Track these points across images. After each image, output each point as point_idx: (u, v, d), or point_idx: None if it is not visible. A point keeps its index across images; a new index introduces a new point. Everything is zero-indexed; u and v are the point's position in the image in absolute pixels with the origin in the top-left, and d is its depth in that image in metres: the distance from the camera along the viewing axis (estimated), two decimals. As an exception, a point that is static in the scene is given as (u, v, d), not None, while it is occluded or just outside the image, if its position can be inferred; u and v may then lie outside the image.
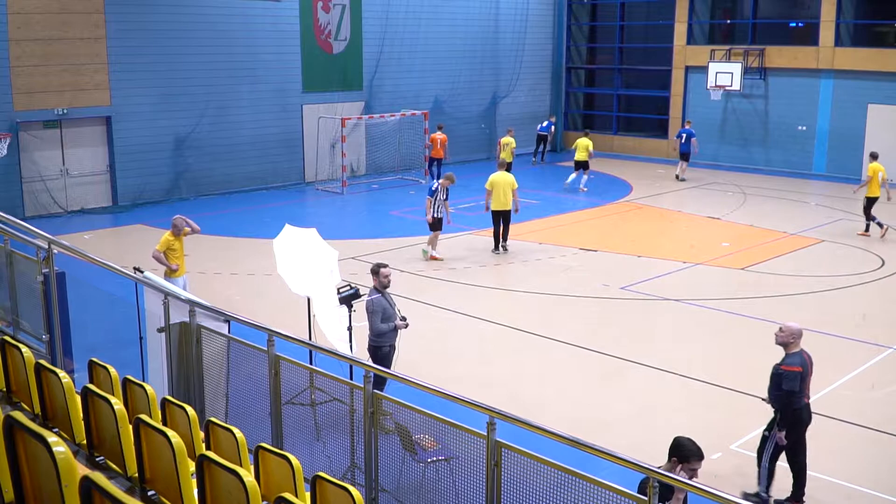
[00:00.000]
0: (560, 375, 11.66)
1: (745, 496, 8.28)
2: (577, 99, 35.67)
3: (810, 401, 8.34)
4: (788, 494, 8.34)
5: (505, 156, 24.75)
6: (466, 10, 29.79)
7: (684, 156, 26.61)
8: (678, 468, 5.92)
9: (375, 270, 9.78)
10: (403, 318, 9.77)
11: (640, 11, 33.64)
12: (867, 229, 19.50)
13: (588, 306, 14.72)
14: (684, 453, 5.85)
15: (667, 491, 5.51)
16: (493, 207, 17.54)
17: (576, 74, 35.33)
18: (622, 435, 9.74)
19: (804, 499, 8.29)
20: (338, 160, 25.42)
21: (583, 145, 24.91)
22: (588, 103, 35.99)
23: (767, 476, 8.32)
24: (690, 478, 5.78)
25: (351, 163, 26.23)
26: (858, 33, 28.42)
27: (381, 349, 9.74)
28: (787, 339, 8.28)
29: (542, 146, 30.33)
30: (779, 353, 12.66)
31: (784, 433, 8.07)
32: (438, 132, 25.39)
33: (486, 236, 19.35)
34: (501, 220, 17.66)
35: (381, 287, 9.69)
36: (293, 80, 25.32)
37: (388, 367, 9.49)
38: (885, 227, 19.28)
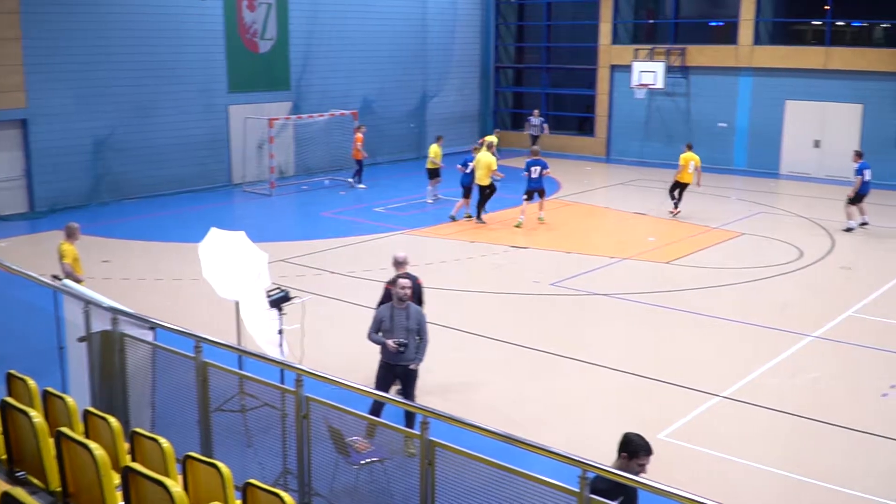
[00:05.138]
0: (493, 372, 11.71)
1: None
2: (505, 98, 35.93)
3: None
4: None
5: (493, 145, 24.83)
6: (395, 9, 29.72)
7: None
8: (629, 463, 5.96)
9: (393, 281, 9.69)
10: (400, 343, 9.12)
11: (566, 11, 34.02)
12: (676, 206, 21.32)
13: (519, 303, 14.83)
14: (633, 448, 5.92)
15: (615, 488, 5.56)
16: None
17: (504, 74, 35.58)
18: (556, 430, 9.83)
19: None
20: (266, 161, 25.12)
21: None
22: (517, 102, 36.28)
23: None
24: (638, 473, 5.85)
25: (279, 164, 25.92)
26: (777, 31, 29.24)
27: (381, 360, 9.43)
28: (392, 264, 10.66)
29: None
30: (705, 341, 12.98)
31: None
32: (357, 132, 25.13)
33: (418, 235, 19.37)
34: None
35: (396, 298, 9.36)
36: (218, 80, 24.91)
37: (380, 383, 9.28)
38: (677, 209, 21.34)
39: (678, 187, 21.33)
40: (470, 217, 20.58)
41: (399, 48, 30.00)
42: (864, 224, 20.08)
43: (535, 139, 30.85)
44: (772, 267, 16.83)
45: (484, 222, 20.38)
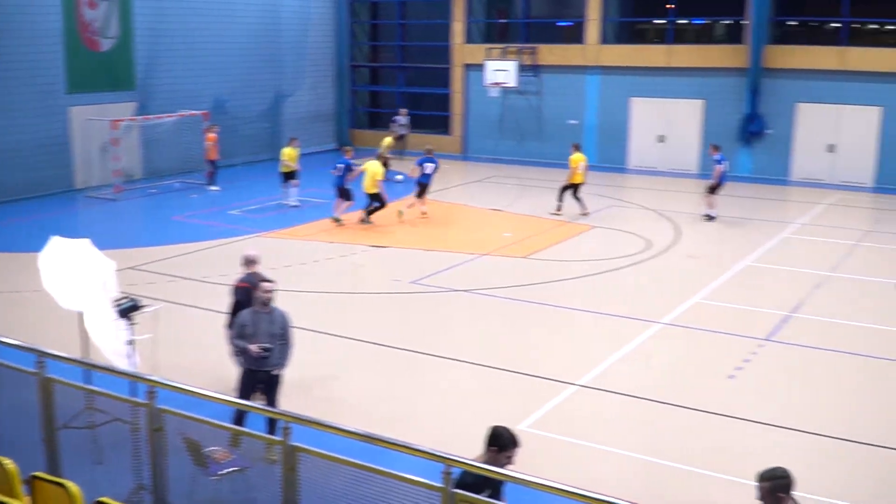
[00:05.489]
0: (355, 373, 11.63)
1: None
2: (362, 97, 35.82)
3: None
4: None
5: (382, 152, 25.12)
6: (245, 6, 29.08)
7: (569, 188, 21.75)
8: (497, 456, 6.02)
9: (246, 280, 9.40)
10: (264, 349, 8.85)
11: (420, 10, 34.23)
12: (582, 206, 21.38)
13: (380, 302, 14.79)
14: (503, 442, 5.99)
15: (482, 482, 5.60)
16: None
17: (360, 73, 35.45)
18: (420, 427, 9.86)
19: None
20: (110, 165, 24.03)
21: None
22: (374, 101, 36.24)
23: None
24: (506, 465, 5.92)
25: (125, 167, 24.85)
26: (622, 31, 30.41)
27: (243, 367, 9.13)
28: (241, 263, 10.51)
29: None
30: (562, 332, 13.32)
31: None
32: (209, 133, 24.56)
33: (276, 237, 19.03)
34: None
35: (258, 302, 9.05)
36: (56, 80, 23.65)
37: (242, 390, 9.01)
38: (560, 209, 21.41)
39: (571, 188, 21.38)
40: (336, 220, 20.28)
41: (251, 46, 29.39)
42: (709, 216, 21.21)
43: (402, 138, 30.84)
44: (622, 258, 17.47)
45: (370, 222, 20.12)
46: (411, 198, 21.11)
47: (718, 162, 20.99)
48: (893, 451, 9.42)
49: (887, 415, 10.38)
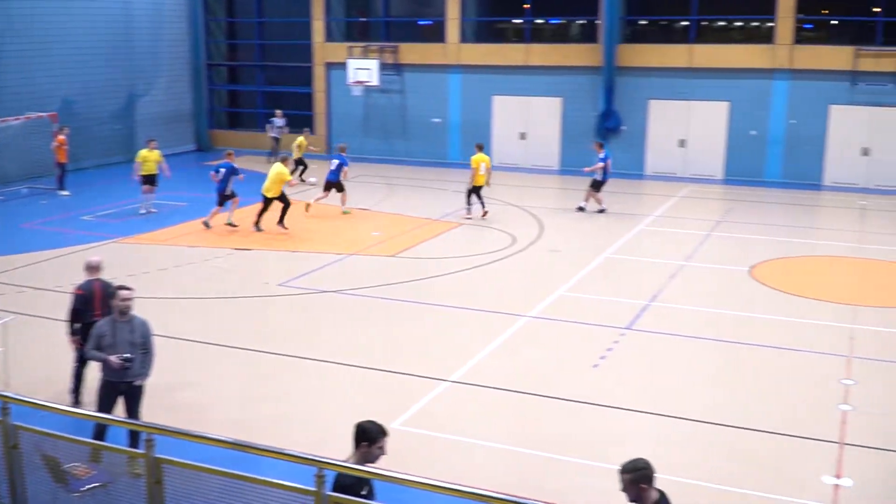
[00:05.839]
0: (223, 379, 11.35)
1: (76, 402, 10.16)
2: (221, 97, 34.97)
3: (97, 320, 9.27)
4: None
5: (297, 154, 25.07)
6: (95, 4, 27.85)
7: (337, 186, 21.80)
8: (370, 450, 5.99)
9: (112, 294, 8.98)
10: (125, 359, 8.47)
11: (278, 8, 33.70)
12: (483, 207, 21.05)
13: (247, 306, 14.49)
14: (372, 436, 5.97)
15: (358, 481, 5.57)
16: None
17: (217, 71, 34.61)
18: (291, 431, 9.72)
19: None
20: (-49, 171, 22.60)
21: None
22: (233, 101, 35.45)
23: (76, 378, 10.26)
24: (379, 456, 5.92)
25: (-32, 173, 23.42)
26: (481, 30, 30.87)
27: (102, 378, 8.74)
28: (84, 269, 10.13)
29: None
30: (431, 329, 13.41)
31: (77, 338, 9.93)
32: (58, 135, 23.40)
33: (133, 243, 18.35)
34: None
35: (116, 311, 8.65)
36: None
37: (103, 403, 8.64)
38: (470, 212, 21.06)
39: (475, 191, 21.00)
40: (232, 224, 19.57)
41: (101, 45, 28.19)
42: (580, 209, 21.84)
43: (277, 141, 30.12)
44: (488, 254, 17.75)
45: (261, 230, 19.36)
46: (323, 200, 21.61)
47: (603, 160, 21.55)
48: (749, 430, 9.96)
49: (742, 396, 10.96)
